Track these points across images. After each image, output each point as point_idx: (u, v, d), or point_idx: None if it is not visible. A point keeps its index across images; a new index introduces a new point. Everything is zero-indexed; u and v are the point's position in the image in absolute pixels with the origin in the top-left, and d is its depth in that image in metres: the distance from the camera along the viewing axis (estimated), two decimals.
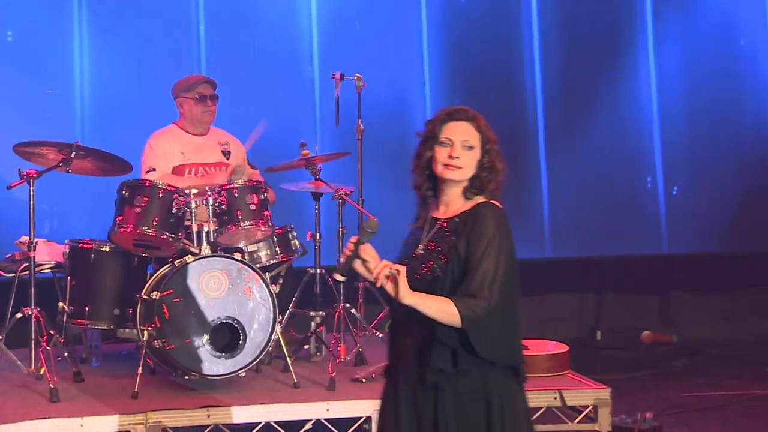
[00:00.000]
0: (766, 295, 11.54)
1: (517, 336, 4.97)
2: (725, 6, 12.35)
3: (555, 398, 7.33)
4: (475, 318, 4.61)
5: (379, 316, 9.04)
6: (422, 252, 4.86)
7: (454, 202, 4.90)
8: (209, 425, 6.93)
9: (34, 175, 7.68)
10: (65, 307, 7.75)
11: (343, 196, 8.26)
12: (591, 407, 7.37)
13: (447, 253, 4.84)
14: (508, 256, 4.86)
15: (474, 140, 4.84)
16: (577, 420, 7.41)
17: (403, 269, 4.68)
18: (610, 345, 10.99)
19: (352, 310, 8.40)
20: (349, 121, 8.79)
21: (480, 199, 4.91)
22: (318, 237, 8.47)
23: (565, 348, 8.05)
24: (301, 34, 11.51)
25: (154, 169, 8.05)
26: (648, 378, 9.92)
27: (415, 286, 4.73)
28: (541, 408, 7.36)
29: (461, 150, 4.79)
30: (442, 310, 4.71)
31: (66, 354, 7.77)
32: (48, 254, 8.12)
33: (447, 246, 4.82)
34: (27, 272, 7.79)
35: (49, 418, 6.86)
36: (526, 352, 7.25)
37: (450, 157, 4.78)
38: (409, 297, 4.71)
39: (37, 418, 6.84)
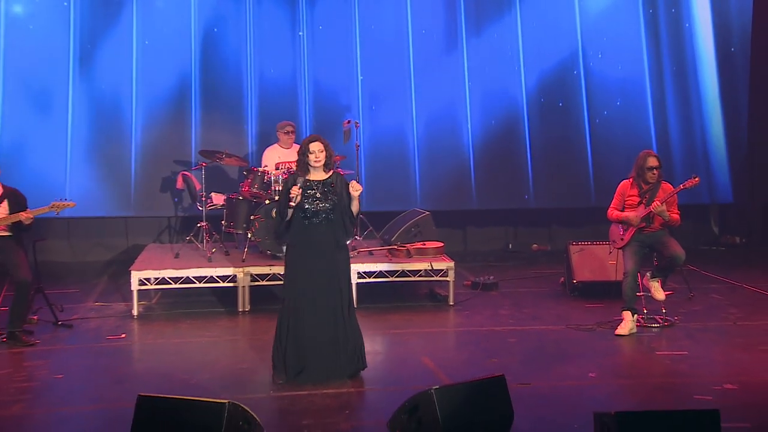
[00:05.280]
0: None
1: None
2: None
3: (429, 265, 8.29)
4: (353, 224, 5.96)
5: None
6: (320, 195, 5.83)
7: (318, 174, 5.85)
8: (269, 273, 7.98)
9: (204, 165, 8.96)
10: (224, 222, 8.82)
11: (339, 173, 8.90)
12: (446, 269, 8.25)
13: (336, 196, 5.83)
14: None
15: (322, 147, 5.83)
16: (437, 276, 8.27)
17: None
18: (515, 251, 11.51)
19: None
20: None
21: (331, 171, 5.93)
22: None
23: (441, 244, 8.66)
24: None
25: (266, 166, 8.84)
26: (524, 265, 10.54)
27: (318, 214, 5.79)
28: (421, 269, 8.24)
29: (319, 153, 5.82)
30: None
31: (222, 243, 8.94)
32: (221, 200, 9.02)
33: (334, 194, 5.85)
34: (208, 208, 8.97)
35: (198, 268, 8.13)
36: (423, 246, 8.49)
37: (316, 158, 5.81)
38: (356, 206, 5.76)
39: (193, 267, 8.15)
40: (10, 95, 10.46)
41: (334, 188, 5.90)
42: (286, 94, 11.00)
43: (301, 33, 10.89)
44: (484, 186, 11.39)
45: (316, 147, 5.88)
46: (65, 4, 10.57)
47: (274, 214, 6.06)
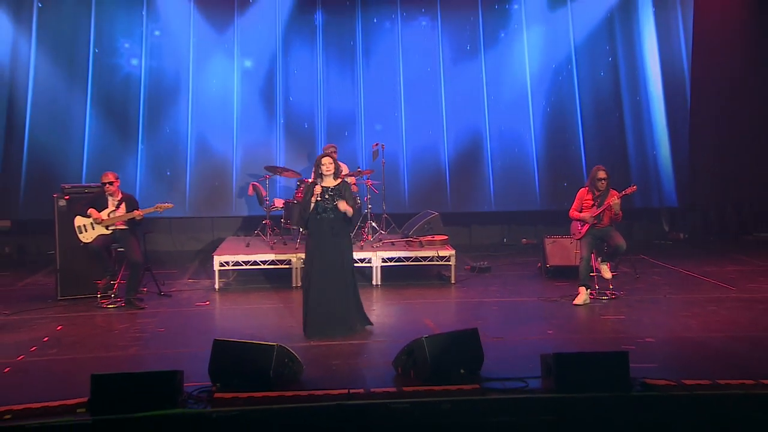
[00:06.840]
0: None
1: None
2: None
3: (436, 253, 8.36)
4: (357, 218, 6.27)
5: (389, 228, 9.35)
6: (329, 197, 5.99)
7: (329, 181, 6.01)
8: None
9: (268, 177, 9.10)
10: (283, 220, 8.95)
11: (369, 183, 9.03)
12: (449, 256, 8.33)
13: (341, 198, 6.01)
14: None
15: (331, 161, 6.03)
16: (443, 261, 8.37)
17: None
18: (509, 244, 11.49)
19: (373, 224, 9.02)
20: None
21: (339, 179, 6.07)
22: (365, 199, 9.00)
23: (446, 237, 8.75)
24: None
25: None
26: (514, 254, 10.46)
27: (328, 211, 6.01)
28: (430, 256, 8.33)
29: (329, 165, 6.03)
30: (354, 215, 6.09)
31: (282, 236, 8.98)
32: (280, 203, 9.11)
33: (340, 196, 6.03)
34: (271, 209, 9.04)
35: (263, 253, 8.20)
36: (432, 239, 8.52)
37: (327, 168, 6.00)
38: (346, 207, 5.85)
39: (259, 253, 8.23)
40: (96, 123, 10.59)
41: (341, 192, 6.13)
42: (306, 120, 11.01)
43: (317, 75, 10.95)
44: (455, 194, 11.35)
45: (326, 161, 6.13)
46: (134, 62, 10.71)
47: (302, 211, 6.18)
